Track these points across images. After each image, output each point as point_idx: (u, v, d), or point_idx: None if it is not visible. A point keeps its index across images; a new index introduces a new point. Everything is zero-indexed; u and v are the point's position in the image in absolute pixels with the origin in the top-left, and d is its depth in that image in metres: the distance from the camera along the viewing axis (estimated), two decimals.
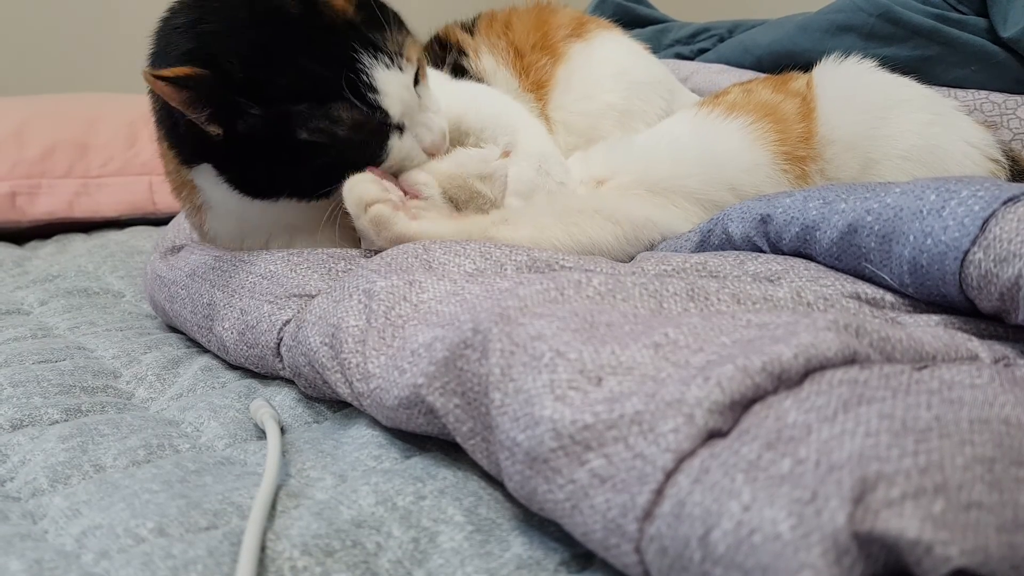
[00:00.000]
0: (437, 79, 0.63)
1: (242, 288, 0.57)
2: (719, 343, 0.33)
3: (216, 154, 0.54)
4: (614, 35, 0.72)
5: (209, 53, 0.50)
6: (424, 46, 0.68)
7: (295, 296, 0.53)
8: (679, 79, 0.82)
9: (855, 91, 0.61)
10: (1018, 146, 0.69)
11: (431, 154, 0.57)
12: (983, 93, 0.72)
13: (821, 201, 0.46)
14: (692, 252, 0.53)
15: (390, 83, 0.52)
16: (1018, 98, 0.71)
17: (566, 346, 0.34)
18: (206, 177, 0.56)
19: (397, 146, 0.55)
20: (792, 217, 0.47)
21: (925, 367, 0.33)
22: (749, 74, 0.81)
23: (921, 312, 0.41)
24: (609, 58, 0.69)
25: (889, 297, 0.42)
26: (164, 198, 1.26)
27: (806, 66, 0.69)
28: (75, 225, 1.22)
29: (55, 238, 1.19)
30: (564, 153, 0.67)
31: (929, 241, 0.39)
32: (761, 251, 0.49)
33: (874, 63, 0.63)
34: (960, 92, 0.73)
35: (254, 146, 0.52)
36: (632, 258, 0.56)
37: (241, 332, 0.55)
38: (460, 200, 0.59)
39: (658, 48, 0.93)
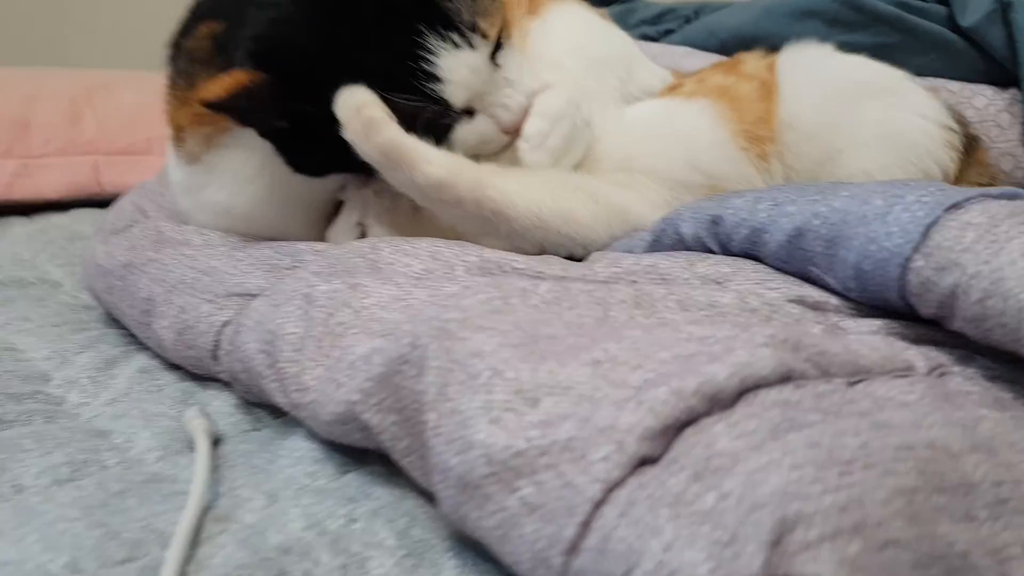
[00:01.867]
0: None
1: (182, 283, 0.55)
2: (658, 359, 0.33)
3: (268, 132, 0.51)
4: (569, 7, 0.69)
5: (271, 48, 0.47)
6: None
7: (235, 295, 0.51)
8: None
9: (816, 78, 0.61)
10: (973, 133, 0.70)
11: (510, 133, 0.53)
12: (941, 81, 0.72)
13: (771, 203, 0.46)
14: (645, 251, 0.52)
15: (455, 68, 0.48)
16: (974, 86, 0.71)
17: (504, 364, 0.33)
18: (245, 138, 0.53)
19: (464, 133, 0.51)
20: (742, 219, 0.46)
21: (860, 381, 0.33)
22: (714, 57, 0.80)
23: (864, 316, 0.41)
24: (563, 34, 0.66)
25: (833, 300, 0.42)
26: (110, 178, 1.20)
27: (770, 50, 0.68)
28: (15, 207, 1.16)
29: None
30: None
31: (873, 247, 0.39)
32: (712, 252, 0.48)
33: (835, 48, 0.62)
34: (919, 79, 0.72)
35: (314, 133, 0.49)
36: (600, 239, 0.55)
37: (179, 332, 0.53)
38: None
39: (624, 27, 0.91)
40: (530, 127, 0.53)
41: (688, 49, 0.83)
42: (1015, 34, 0.67)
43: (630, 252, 0.53)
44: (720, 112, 0.58)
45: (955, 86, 0.71)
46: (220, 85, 0.46)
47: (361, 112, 0.47)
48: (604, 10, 0.73)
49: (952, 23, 0.72)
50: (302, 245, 0.55)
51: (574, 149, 0.55)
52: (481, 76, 0.50)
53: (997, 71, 0.70)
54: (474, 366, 0.33)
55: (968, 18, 0.70)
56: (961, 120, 0.61)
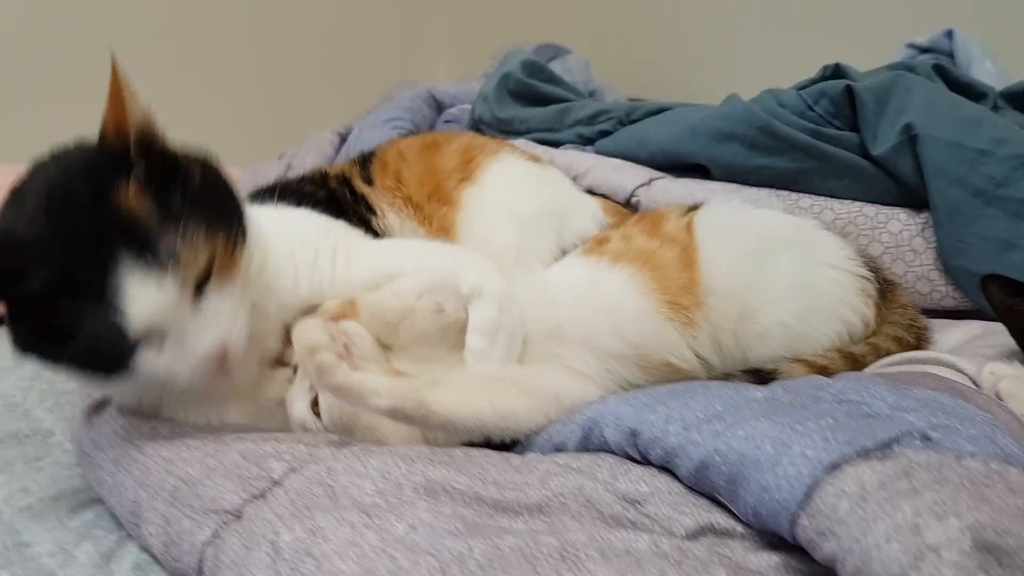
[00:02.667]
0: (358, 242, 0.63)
1: (163, 490, 0.59)
2: None
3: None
4: (502, 165, 0.71)
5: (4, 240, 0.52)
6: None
7: (212, 512, 0.56)
8: (579, 173, 0.82)
9: (728, 241, 0.64)
10: (889, 259, 0.73)
11: (207, 365, 0.55)
12: (857, 205, 0.74)
13: (681, 424, 0.50)
14: (577, 448, 0.57)
15: (140, 298, 0.50)
16: (889, 211, 0.74)
17: None
18: None
19: (152, 362, 0.54)
20: (655, 438, 0.51)
21: None
22: (644, 171, 0.82)
23: (765, 548, 0.46)
24: (499, 198, 0.69)
25: (740, 528, 0.47)
26: None
27: (695, 167, 0.70)
28: None
29: None
30: None
31: (766, 496, 0.44)
32: (634, 460, 0.53)
33: (741, 205, 0.65)
34: (836, 204, 0.75)
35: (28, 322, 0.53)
36: (539, 425, 0.60)
37: (166, 544, 0.58)
38: (398, 343, 0.62)
39: (561, 127, 0.92)
40: (472, 344, 0.59)
41: (619, 162, 0.85)
42: (923, 166, 0.69)
43: (563, 445, 0.58)
44: (644, 282, 0.62)
45: (871, 210, 0.74)
46: None
47: (314, 356, 0.53)
48: (539, 153, 0.75)
49: (864, 150, 0.74)
50: (267, 447, 0.59)
51: (515, 350, 0.60)
52: (174, 309, 0.52)
53: (909, 196, 0.73)
54: None
55: (878, 148, 0.72)
56: (875, 267, 0.64)
